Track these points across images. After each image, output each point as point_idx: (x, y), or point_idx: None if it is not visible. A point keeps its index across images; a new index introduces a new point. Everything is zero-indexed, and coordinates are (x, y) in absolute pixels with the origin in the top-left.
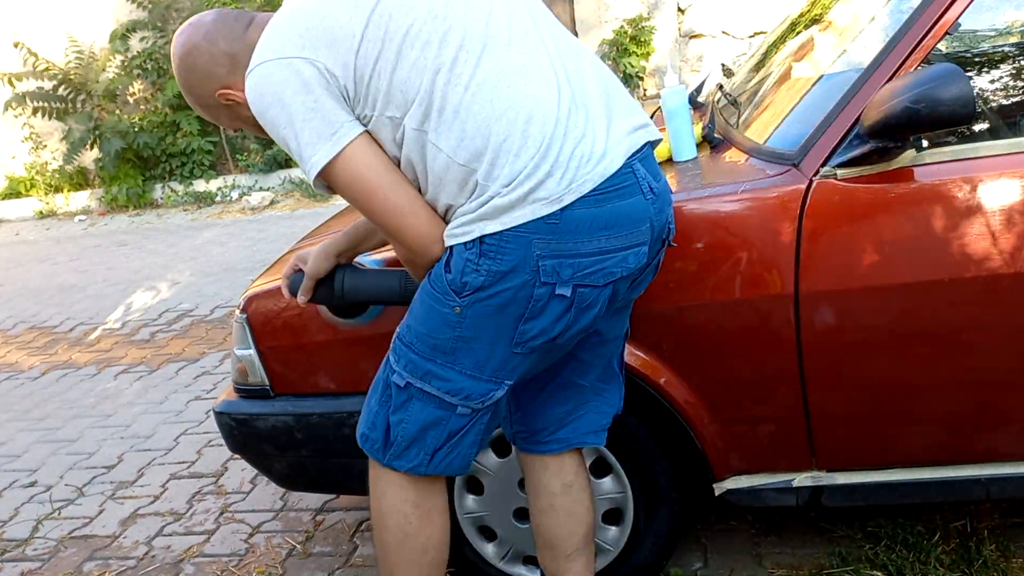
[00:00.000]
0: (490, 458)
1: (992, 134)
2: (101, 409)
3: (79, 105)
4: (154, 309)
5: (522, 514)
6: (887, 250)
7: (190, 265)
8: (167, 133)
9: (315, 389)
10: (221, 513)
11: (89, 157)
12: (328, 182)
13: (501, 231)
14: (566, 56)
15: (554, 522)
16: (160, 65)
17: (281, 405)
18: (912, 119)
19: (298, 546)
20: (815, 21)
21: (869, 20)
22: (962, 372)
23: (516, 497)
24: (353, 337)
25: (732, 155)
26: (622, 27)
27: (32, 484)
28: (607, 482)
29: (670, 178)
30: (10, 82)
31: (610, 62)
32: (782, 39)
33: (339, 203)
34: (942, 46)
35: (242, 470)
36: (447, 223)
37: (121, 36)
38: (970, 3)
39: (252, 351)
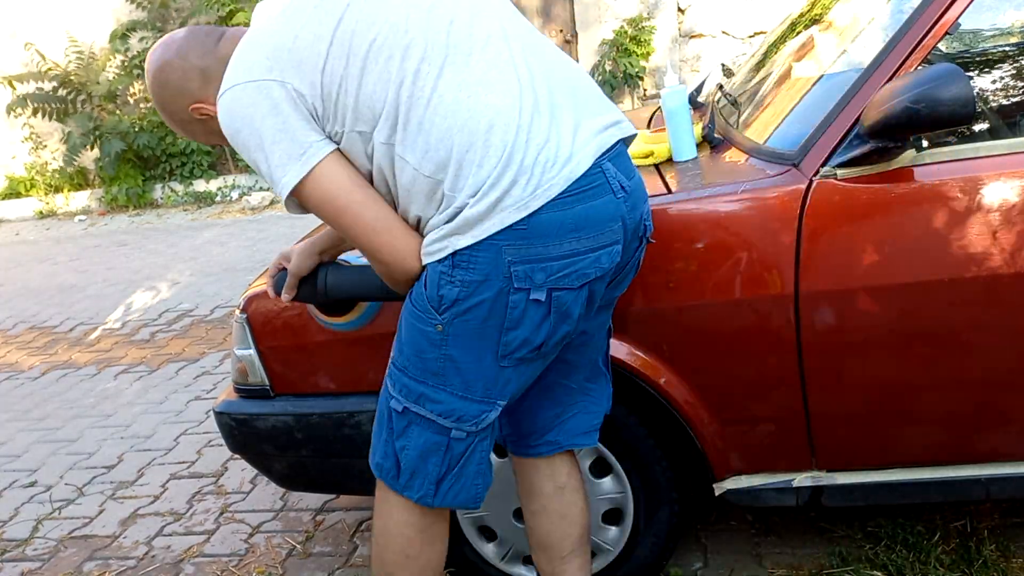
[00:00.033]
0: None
1: (992, 134)
2: (101, 409)
3: (79, 106)
4: (154, 309)
5: (522, 514)
6: (887, 250)
7: (190, 265)
8: (167, 133)
9: (315, 389)
10: (221, 513)
11: (89, 157)
12: (300, 201)
13: (472, 244)
14: (533, 60)
15: (547, 524)
16: None
17: (281, 405)
18: (912, 119)
19: (298, 546)
20: (815, 21)
21: (869, 20)
22: (962, 372)
23: (516, 497)
24: (353, 337)
25: (732, 155)
26: (622, 27)
27: (32, 484)
28: (607, 482)
29: (670, 178)
30: (11, 84)
31: (610, 62)
32: (782, 39)
33: None
34: (942, 46)
35: (242, 470)
36: (422, 236)
37: (121, 36)
38: (970, 3)
39: (252, 351)
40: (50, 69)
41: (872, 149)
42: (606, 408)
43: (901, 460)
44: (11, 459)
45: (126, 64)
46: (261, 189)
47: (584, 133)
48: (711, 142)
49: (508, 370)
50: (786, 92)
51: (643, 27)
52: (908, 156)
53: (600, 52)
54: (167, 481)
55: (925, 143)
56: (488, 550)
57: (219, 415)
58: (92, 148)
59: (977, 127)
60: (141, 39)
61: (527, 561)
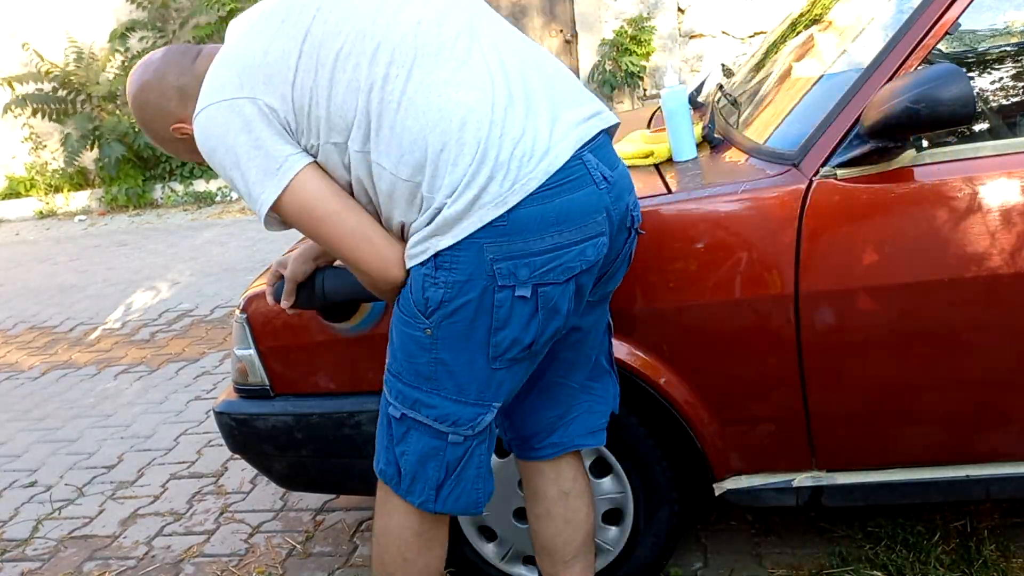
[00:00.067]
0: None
1: (992, 134)
2: (101, 409)
3: (79, 106)
4: (154, 309)
5: (522, 514)
6: (887, 250)
7: (190, 265)
8: None
9: (315, 389)
10: (221, 513)
11: (89, 157)
12: (280, 216)
13: (453, 244)
14: (507, 55)
15: (551, 529)
16: None
17: (281, 405)
18: (912, 119)
19: (298, 546)
20: (815, 21)
21: (869, 20)
22: (962, 372)
23: (516, 497)
24: (353, 337)
25: (732, 155)
26: (622, 27)
27: (32, 484)
28: (607, 482)
29: (670, 178)
30: (10, 85)
31: (610, 62)
32: (782, 39)
33: None
34: (942, 46)
35: (242, 470)
36: (406, 242)
37: (121, 36)
38: (970, 3)
39: (252, 351)
40: (49, 71)
41: (872, 149)
42: (612, 408)
43: (901, 460)
44: (11, 459)
45: (126, 64)
46: None
47: (562, 126)
48: (711, 142)
49: (501, 372)
50: (786, 92)
51: (643, 27)
52: (908, 156)
53: (600, 52)
54: (167, 481)
55: (925, 143)
56: (488, 550)
57: (219, 415)
58: (92, 148)
59: (977, 127)
60: (141, 39)
61: (527, 561)
